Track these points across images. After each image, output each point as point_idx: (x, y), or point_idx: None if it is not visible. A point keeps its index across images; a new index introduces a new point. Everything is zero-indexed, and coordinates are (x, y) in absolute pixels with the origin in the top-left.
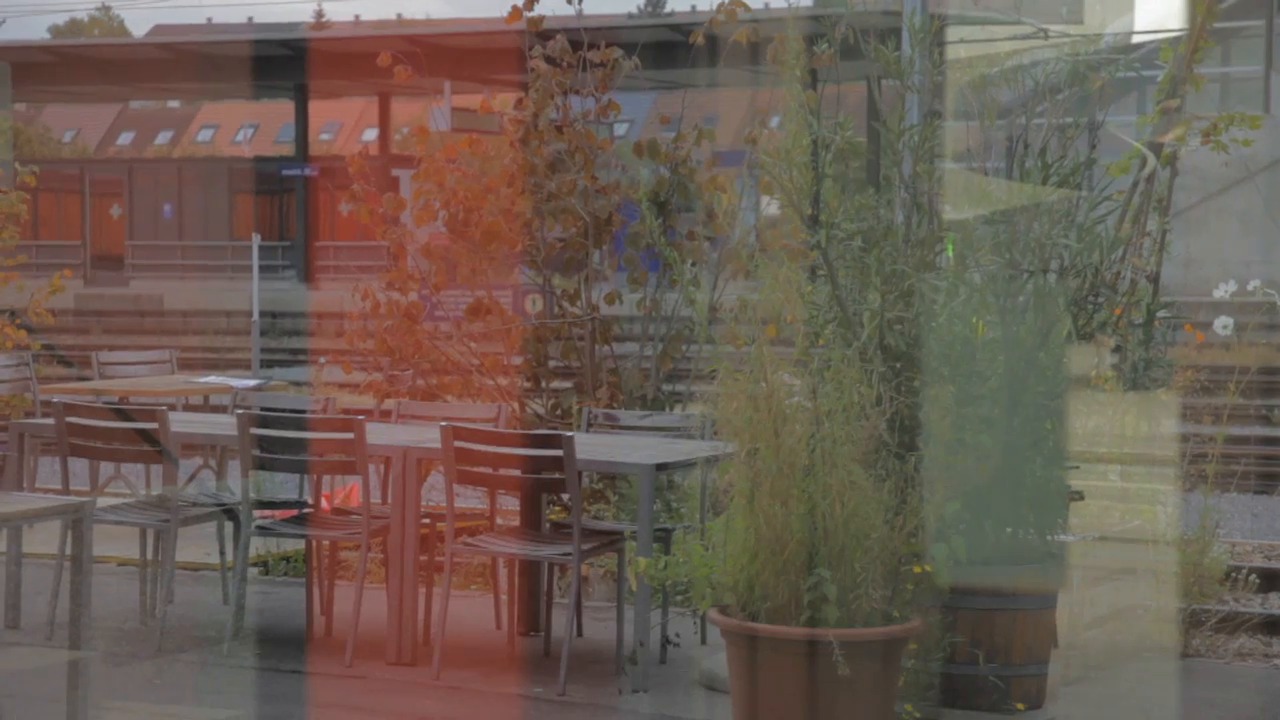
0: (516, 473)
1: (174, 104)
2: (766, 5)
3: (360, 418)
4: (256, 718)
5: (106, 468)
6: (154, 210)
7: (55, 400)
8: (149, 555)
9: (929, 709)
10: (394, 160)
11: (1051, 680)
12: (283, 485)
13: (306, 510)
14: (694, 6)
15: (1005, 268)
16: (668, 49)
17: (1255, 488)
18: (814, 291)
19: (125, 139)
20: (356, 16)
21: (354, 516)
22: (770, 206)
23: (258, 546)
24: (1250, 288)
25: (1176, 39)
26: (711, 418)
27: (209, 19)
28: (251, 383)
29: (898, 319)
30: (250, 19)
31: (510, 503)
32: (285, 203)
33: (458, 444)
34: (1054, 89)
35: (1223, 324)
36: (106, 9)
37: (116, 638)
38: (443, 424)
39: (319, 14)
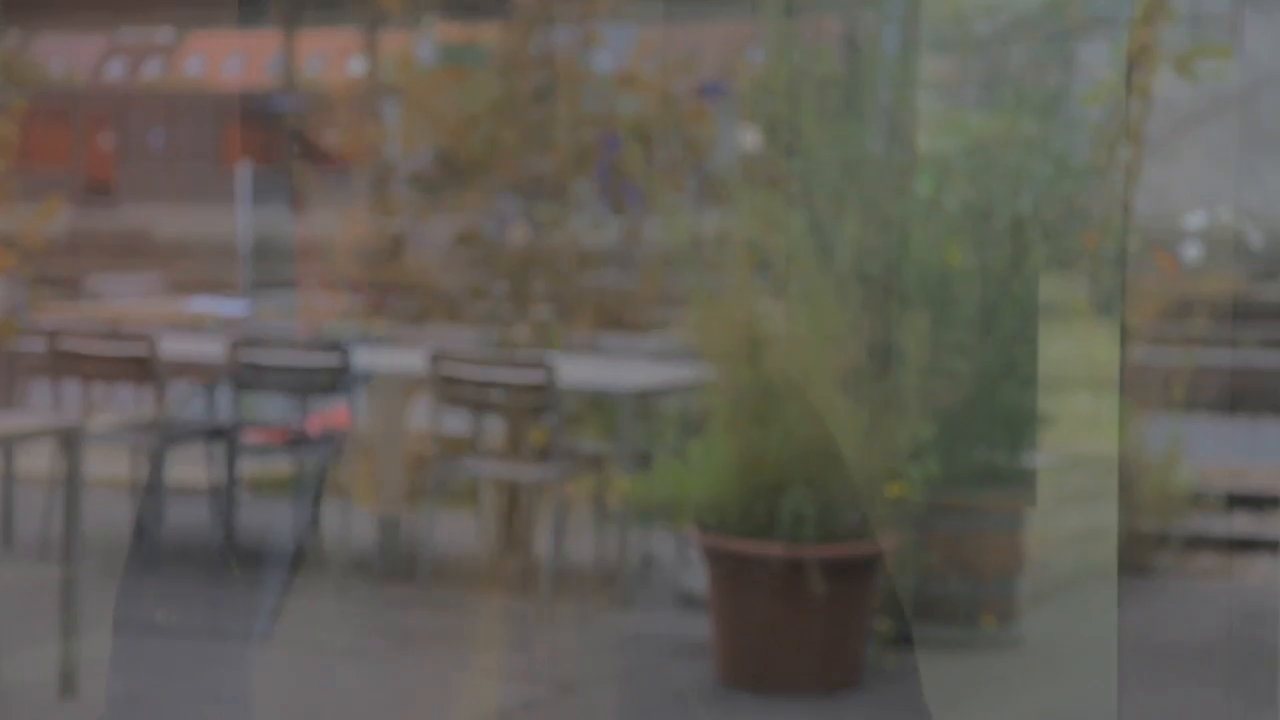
0: (500, 396)
1: (163, 34)
2: None
3: (346, 341)
4: (247, 634)
5: (96, 390)
6: (143, 139)
7: (45, 324)
8: (139, 476)
9: (903, 625)
10: (380, 90)
11: (1021, 598)
12: (271, 408)
13: (294, 432)
14: None
15: (980, 196)
16: None
17: (1223, 412)
18: (792, 219)
19: (115, 68)
20: None
21: (341, 438)
22: (750, 136)
23: (246, 467)
24: (1222, 217)
25: None
26: (691, 343)
27: None
28: (240, 307)
29: (874, 246)
30: None
31: (494, 425)
32: (273, 132)
33: (442, 367)
34: (1030, 20)
35: (1194, 251)
36: None
37: (107, 557)
38: (427, 348)
39: None
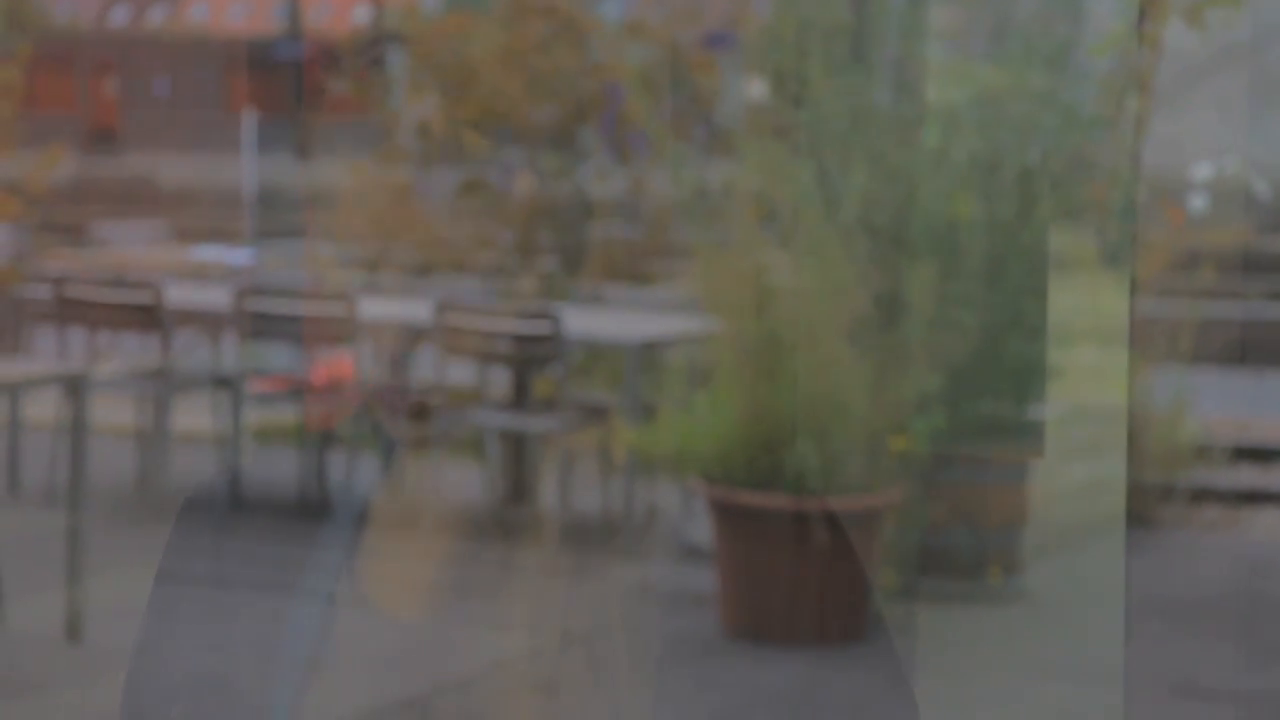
0: (505, 346)
1: None
2: None
3: (352, 291)
4: (251, 582)
5: (102, 338)
6: (148, 86)
7: (50, 271)
8: (144, 424)
9: (908, 577)
10: (385, 38)
11: (1026, 550)
12: (276, 357)
13: (300, 381)
14: None
15: (988, 147)
16: None
17: (1229, 364)
18: (798, 170)
19: (120, 14)
20: None
21: (347, 388)
22: (757, 86)
23: (251, 417)
24: (1230, 169)
25: None
26: (697, 294)
27: None
28: (245, 256)
29: (881, 198)
30: None
31: (499, 376)
32: (279, 79)
33: (448, 318)
34: None
35: (1201, 203)
36: None
37: (113, 504)
38: (433, 298)
39: None
